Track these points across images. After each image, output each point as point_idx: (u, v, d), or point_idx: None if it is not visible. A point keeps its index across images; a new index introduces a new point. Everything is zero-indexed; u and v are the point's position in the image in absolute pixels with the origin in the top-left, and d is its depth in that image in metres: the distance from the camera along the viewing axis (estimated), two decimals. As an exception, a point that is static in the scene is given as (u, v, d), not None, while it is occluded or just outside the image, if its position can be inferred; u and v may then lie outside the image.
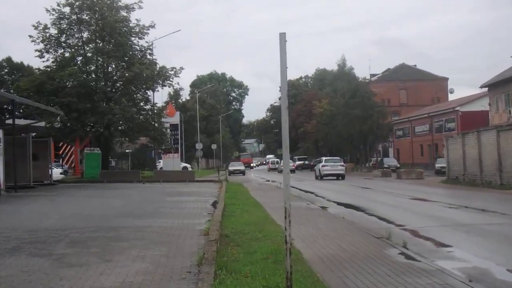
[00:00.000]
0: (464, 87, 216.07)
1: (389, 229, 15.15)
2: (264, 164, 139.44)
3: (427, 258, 11.33)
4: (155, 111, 52.92)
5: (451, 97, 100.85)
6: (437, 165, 59.12)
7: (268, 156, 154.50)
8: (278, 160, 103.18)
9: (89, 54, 50.04)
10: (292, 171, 74.63)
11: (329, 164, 55.62)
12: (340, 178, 53.70)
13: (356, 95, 79.26)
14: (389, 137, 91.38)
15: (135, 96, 51.75)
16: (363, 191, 36.61)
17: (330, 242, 13.07)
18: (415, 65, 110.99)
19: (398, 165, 73.61)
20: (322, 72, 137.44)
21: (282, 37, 7.90)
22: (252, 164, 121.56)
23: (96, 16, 48.54)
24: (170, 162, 61.71)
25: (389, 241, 13.15)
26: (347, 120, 78.97)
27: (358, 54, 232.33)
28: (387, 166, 71.46)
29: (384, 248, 12.28)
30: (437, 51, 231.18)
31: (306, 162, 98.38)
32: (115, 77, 50.94)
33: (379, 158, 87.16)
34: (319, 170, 55.91)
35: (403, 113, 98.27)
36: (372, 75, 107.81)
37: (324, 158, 60.13)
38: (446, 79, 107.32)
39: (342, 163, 58.20)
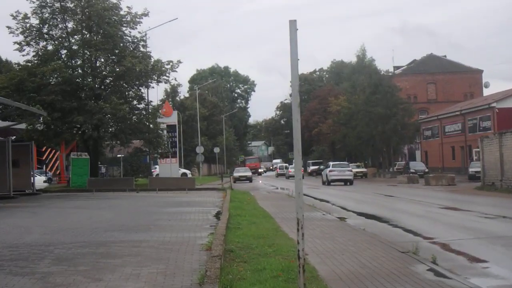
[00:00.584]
0: (501, 80, 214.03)
1: (416, 242, 15.17)
2: (272, 170, 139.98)
3: (459, 275, 11.34)
4: (150, 111, 52.96)
5: (486, 91, 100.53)
6: (470, 170, 59.02)
7: (275, 161, 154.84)
8: (286, 165, 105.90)
9: (74, 47, 50.14)
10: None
11: (337, 169, 60.10)
12: (348, 183, 58.11)
13: (378, 90, 79.08)
14: (416, 138, 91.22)
15: (127, 93, 51.85)
16: (386, 199, 36.61)
17: (349, 258, 13.09)
18: (445, 56, 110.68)
19: (426, 170, 73.52)
20: (339, 64, 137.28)
21: (293, 25, 7.93)
22: (260, 170, 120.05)
23: (82, 3, 48.64)
24: (167, 168, 61.82)
25: (416, 256, 13.16)
26: (368, 119, 78.84)
27: (379, 44, 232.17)
28: (413, 171, 71.36)
29: (410, 264, 12.29)
30: (470, 39, 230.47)
31: (322, 166, 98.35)
32: (104, 72, 50.97)
33: (404, 162, 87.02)
34: (326, 175, 60.34)
35: (431, 110, 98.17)
36: (396, 68, 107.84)
37: (331, 163, 64.32)
38: (481, 71, 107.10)
39: (350, 168, 63.57)
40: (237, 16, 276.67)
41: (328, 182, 58.74)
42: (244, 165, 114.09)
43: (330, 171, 59.46)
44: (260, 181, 78.02)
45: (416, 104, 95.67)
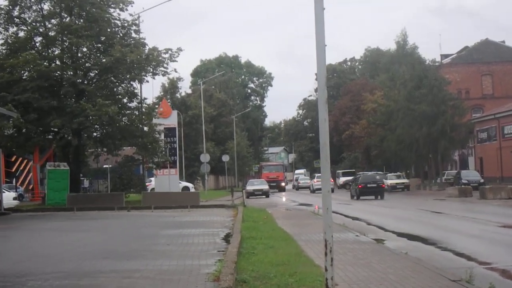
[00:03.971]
0: None
1: (470, 268, 15.12)
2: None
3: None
4: (144, 110, 52.98)
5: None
6: (536, 180, 58.84)
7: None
8: (297, 176, 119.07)
9: (51, 33, 50.15)
10: (313, 191, 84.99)
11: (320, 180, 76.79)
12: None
13: (422, 84, 78.88)
14: (469, 142, 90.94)
15: (115, 89, 51.90)
16: (433, 216, 36.54)
17: (388, 288, 13.06)
18: (504, 41, 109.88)
19: (482, 180, 73.23)
20: (374, 52, 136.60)
21: (319, 4, 7.89)
22: (282, 184, 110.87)
23: (61, -19, 48.83)
24: (165, 180, 61.83)
25: (471, 285, 13.12)
26: (411, 119, 78.72)
27: (415, 28, 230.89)
28: (466, 181, 71.15)
29: (464, 295, 12.24)
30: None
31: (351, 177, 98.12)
32: (87, 64, 51.01)
33: (455, 171, 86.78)
34: (312, 185, 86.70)
35: (487, 107, 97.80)
36: (444, 56, 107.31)
37: (316, 175, 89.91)
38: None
39: (331, 179, 77.49)
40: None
41: (313, 191, 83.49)
42: (260, 176, 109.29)
43: (316, 181, 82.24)
44: (284, 199, 76.13)
45: (469, 100, 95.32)
